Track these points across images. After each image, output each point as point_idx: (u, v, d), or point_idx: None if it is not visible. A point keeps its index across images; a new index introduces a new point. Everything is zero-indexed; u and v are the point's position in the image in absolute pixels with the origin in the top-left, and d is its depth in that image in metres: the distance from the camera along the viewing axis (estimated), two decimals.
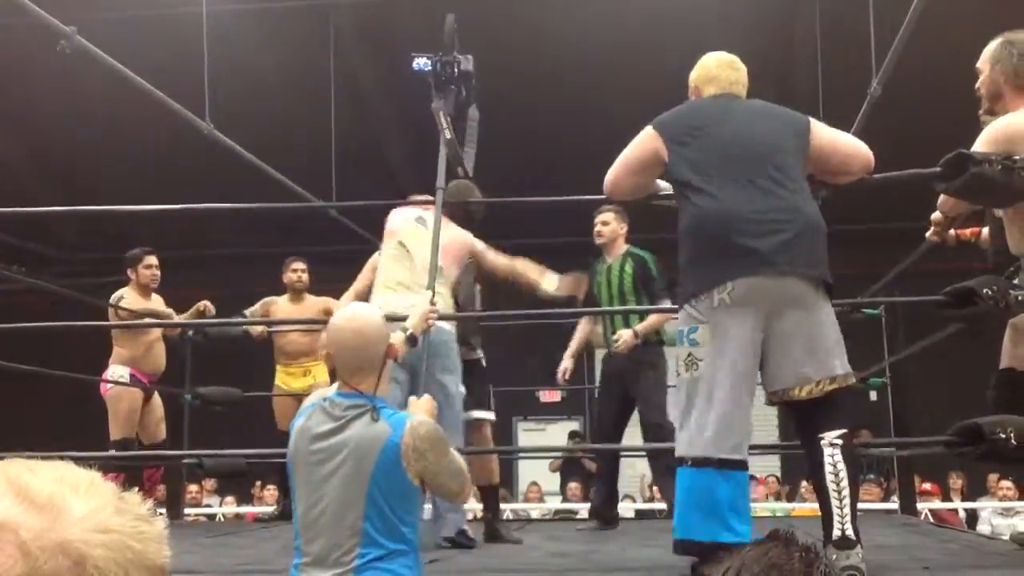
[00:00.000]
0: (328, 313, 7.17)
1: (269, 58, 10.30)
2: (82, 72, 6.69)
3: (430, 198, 4.77)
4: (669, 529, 3.61)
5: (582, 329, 6.31)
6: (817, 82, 8.02)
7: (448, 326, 4.81)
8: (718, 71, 3.76)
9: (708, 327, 3.31)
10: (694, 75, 3.82)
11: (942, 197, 3.98)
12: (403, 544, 2.82)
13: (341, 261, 9.77)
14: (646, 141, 3.63)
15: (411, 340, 3.55)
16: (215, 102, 6.60)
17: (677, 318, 3.58)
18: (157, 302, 6.89)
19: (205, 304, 6.86)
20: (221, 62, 7.09)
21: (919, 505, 7.18)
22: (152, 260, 6.84)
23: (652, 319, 5.72)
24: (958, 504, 9.61)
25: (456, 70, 4.19)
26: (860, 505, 3.52)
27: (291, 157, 9.13)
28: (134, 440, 6.59)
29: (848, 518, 3.28)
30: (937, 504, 9.07)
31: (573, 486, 10.19)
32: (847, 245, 4.25)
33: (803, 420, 3.47)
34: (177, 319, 6.85)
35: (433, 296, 3.94)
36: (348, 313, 3.03)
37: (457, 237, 4.99)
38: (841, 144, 3.73)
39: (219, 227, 11.42)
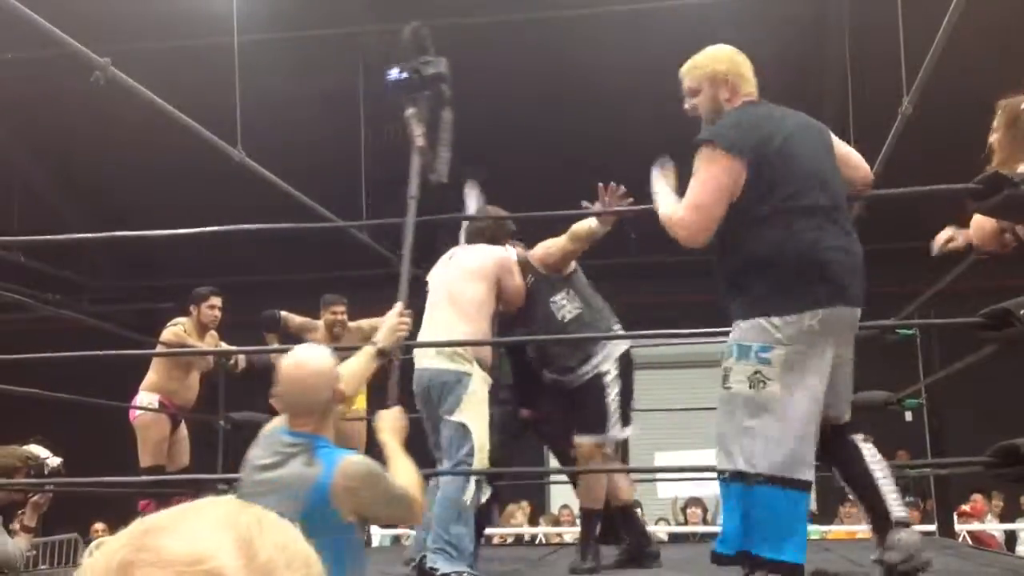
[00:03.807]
0: (366, 339, 7.17)
1: (299, 86, 10.38)
2: (115, 102, 6.76)
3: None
4: (703, 554, 3.58)
5: None
6: (847, 101, 7.99)
7: (454, 365, 4.60)
8: (746, 69, 3.57)
9: (788, 349, 3.21)
10: (722, 67, 3.55)
11: (977, 226, 3.98)
12: None
13: (372, 286, 9.83)
14: (726, 170, 3.31)
15: (380, 354, 3.52)
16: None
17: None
18: (211, 339, 6.93)
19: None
20: (252, 90, 7.16)
21: (957, 527, 7.08)
22: (216, 301, 6.88)
23: None
24: (996, 526, 9.48)
25: (424, 75, 4.14)
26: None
27: (322, 184, 9.19)
28: (163, 467, 6.64)
29: (900, 501, 3.42)
30: (976, 526, 8.95)
31: None
32: (882, 264, 4.21)
33: (830, 437, 3.46)
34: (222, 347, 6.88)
35: (406, 307, 3.85)
36: (294, 359, 3.05)
37: (486, 257, 4.86)
38: (853, 155, 3.68)
39: (250, 254, 11.49)
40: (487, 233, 4.99)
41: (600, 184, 4.58)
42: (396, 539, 9.24)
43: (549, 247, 5.05)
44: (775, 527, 3.19)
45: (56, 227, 8.43)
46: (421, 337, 4.68)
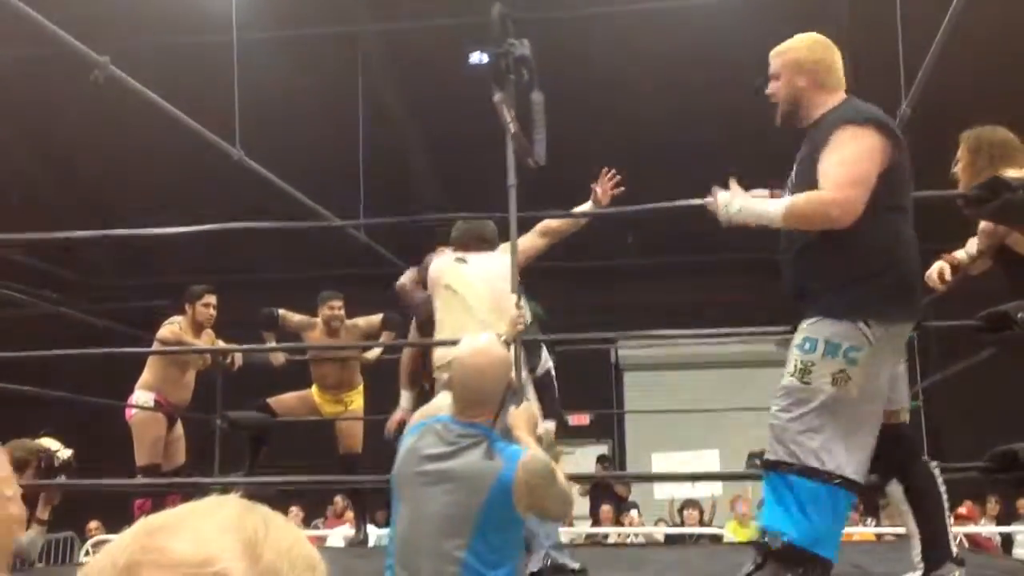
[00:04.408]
0: (366, 337, 7.19)
1: (298, 84, 10.38)
2: (114, 99, 6.76)
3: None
4: (702, 554, 3.58)
5: None
6: None
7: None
8: (836, 62, 3.38)
9: (873, 350, 3.14)
10: (803, 55, 3.39)
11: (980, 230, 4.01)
12: (504, 573, 2.82)
13: (369, 285, 9.84)
14: (879, 148, 3.15)
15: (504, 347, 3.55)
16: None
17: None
18: (207, 338, 6.93)
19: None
20: (251, 88, 7.15)
21: (953, 530, 7.08)
22: (211, 299, 6.86)
23: None
24: (992, 528, 9.48)
25: (511, 58, 3.99)
26: (894, 529, 3.54)
27: (320, 182, 9.19)
28: (160, 465, 6.63)
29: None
30: (973, 528, 8.95)
31: (605, 509, 10.15)
32: None
33: (897, 444, 3.45)
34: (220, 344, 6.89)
35: (519, 300, 3.87)
36: (471, 348, 3.00)
37: (505, 263, 4.91)
38: None
39: (248, 252, 11.50)
40: (489, 239, 5.03)
41: (604, 168, 4.62)
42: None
43: (526, 249, 5.11)
44: (832, 527, 3.18)
45: (54, 225, 8.43)
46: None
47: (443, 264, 4.91)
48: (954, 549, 3.39)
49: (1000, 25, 8.25)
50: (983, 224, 4.09)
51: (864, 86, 3.44)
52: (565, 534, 7.32)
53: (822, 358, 3.16)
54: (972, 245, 4.23)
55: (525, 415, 3.13)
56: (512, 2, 3.97)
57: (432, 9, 9.29)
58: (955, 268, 4.33)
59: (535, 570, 4.48)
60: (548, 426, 5.11)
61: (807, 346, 3.19)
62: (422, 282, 5.20)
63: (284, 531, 0.81)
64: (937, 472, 3.45)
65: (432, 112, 10.63)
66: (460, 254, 4.90)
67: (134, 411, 6.64)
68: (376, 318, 7.14)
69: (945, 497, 3.41)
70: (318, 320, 7.10)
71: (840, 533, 3.22)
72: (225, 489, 5.10)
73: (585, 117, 10.23)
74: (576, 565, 4.44)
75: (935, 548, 3.35)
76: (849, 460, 3.14)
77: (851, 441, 3.16)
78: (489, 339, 3.13)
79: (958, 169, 4.16)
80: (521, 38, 4.02)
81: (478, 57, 4.04)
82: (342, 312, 7.06)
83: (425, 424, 2.99)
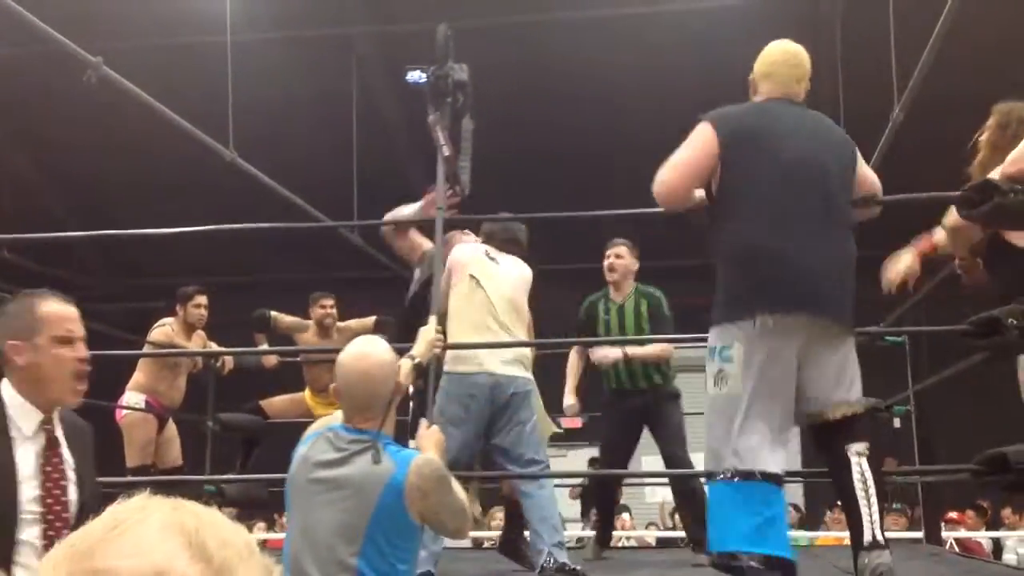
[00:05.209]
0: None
1: (293, 86, 10.37)
2: (107, 100, 6.74)
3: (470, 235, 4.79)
4: (692, 558, 3.58)
5: (575, 364, 6.09)
6: (839, 108, 8.01)
7: (528, 374, 4.67)
8: (775, 68, 3.65)
9: (743, 347, 3.27)
10: (756, 66, 3.69)
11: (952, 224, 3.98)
12: None
13: (363, 287, 9.83)
14: (704, 138, 3.44)
15: (417, 369, 3.47)
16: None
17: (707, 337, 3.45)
18: (199, 339, 6.91)
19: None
20: (245, 90, 7.14)
21: (944, 534, 7.09)
22: (202, 299, 6.83)
23: (651, 349, 5.65)
24: (983, 534, 9.48)
25: (450, 81, 4.04)
26: (886, 534, 3.50)
27: (314, 184, 9.18)
28: (150, 467, 6.61)
29: (877, 523, 3.35)
30: (964, 533, 8.95)
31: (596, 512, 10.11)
32: (870, 271, 4.22)
33: (828, 438, 3.48)
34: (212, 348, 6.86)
35: (440, 323, 3.81)
36: (356, 351, 2.95)
37: (527, 270, 4.91)
38: (872, 175, 3.79)
39: (241, 254, 11.48)
40: (521, 242, 5.02)
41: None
42: None
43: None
44: (762, 523, 3.18)
45: (46, 225, 8.41)
46: (490, 340, 4.60)
47: (472, 253, 4.84)
48: (872, 534, 3.32)
49: (993, 30, 8.26)
50: (965, 233, 4.06)
51: (857, 90, 3.46)
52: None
53: (709, 363, 3.37)
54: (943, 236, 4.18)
55: (434, 438, 3.08)
56: (497, 5, 3.98)
57: (427, 11, 9.28)
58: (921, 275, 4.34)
59: (537, 571, 4.50)
60: None
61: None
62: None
63: (218, 521, 0.79)
64: (856, 459, 3.41)
65: (426, 115, 10.60)
66: (492, 251, 4.85)
67: (124, 412, 6.63)
68: (369, 320, 7.13)
69: (867, 483, 3.37)
70: (310, 322, 7.09)
71: (769, 527, 3.19)
72: (218, 488, 5.10)
73: (581, 115, 10.24)
74: (577, 566, 4.46)
75: (857, 536, 3.35)
76: (748, 453, 3.22)
77: (747, 436, 3.23)
78: (369, 342, 3.07)
79: (982, 140, 4.11)
80: (461, 63, 4.09)
81: (416, 76, 4.05)
82: (334, 311, 7.06)
83: (318, 433, 2.95)
